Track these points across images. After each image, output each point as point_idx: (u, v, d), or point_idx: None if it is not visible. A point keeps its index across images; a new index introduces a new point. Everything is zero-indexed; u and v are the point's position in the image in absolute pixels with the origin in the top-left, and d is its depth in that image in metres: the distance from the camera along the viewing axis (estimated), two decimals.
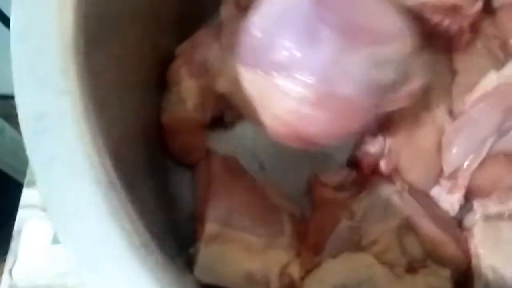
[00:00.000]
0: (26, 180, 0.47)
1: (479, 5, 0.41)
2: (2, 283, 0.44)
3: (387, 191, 0.41)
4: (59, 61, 0.25)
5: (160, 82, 0.44)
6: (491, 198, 0.41)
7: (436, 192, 0.42)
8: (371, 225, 0.40)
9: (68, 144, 0.23)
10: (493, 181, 0.41)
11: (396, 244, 0.39)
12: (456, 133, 0.42)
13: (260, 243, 0.38)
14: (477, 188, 0.42)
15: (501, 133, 0.42)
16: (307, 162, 0.45)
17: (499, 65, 0.43)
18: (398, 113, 0.43)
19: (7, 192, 0.60)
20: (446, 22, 0.42)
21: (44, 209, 0.46)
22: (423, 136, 0.43)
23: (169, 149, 0.44)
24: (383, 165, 0.42)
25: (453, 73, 0.44)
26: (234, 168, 0.43)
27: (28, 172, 0.47)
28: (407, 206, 0.40)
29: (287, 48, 0.32)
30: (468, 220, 0.41)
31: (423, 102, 0.43)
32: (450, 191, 0.42)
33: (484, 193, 0.41)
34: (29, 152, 0.23)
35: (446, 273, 0.38)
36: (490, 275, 0.37)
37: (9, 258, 0.45)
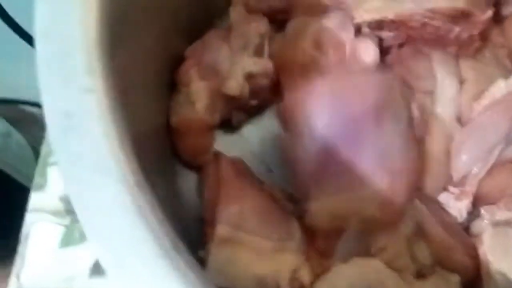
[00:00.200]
0: (34, 183, 0.47)
1: (489, 13, 0.41)
2: (9, 286, 0.43)
3: None
4: (83, 60, 0.24)
5: (169, 83, 0.44)
6: (499, 206, 0.41)
7: (445, 198, 0.43)
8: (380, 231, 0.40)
9: (94, 143, 0.23)
10: (501, 188, 0.42)
11: (405, 251, 0.39)
12: (464, 140, 0.42)
13: (270, 246, 0.38)
14: (485, 195, 0.42)
15: (509, 141, 0.42)
16: None
17: (507, 73, 0.44)
18: None
19: (13, 196, 0.59)
20: (456, 30, 0.43)
21: (52, 213, 0.46)
22: (432, 143, 0.43)
23: (178, 150, 0.44)
24: None
25: (462, 80, 0.45)
26: (243, 170, 0.43)
27: (36, 175, 0.47)
28: (416, 212, 0.40)
29: None
30: (476, 226, 0.42)
31: (431, 109, 0.44)
32: (458, 197, 0.42)
33: (492, 200, 0.42)
34: (55, 150, 0.23)
35: (455, 278, 0.38)
36: (499, 281, 0.37)
37: (17, 262, 0.44)
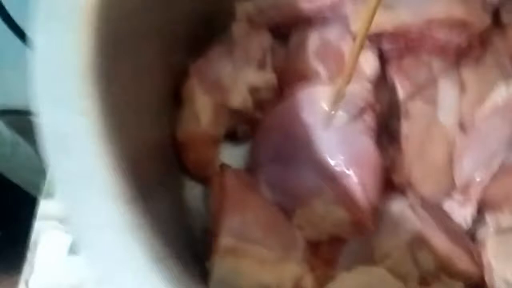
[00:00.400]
0: (44, 191, 0.48)
1: (487, 21, 0.42)
2: None
3: (400, 204, 0.41)
4: (77, 84, 0.26)
5: (174, 98, 0.45)
6: (503, 212, 0.41)
7: (449, 205, 0.43)
8: (383, 239, 0.40)
9: (88, 164, 0.24)
10: (505, 194, 0.42)
11: (408, 258, 0.40)
12: (467, 147, 0.43)
13: (274, 256, 0.39)
14: (489, 201, 0.42)
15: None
16: None
17: (508, 78, 0.44)
18: (409, 127, 0.44)
19: (21, 205, 0.61)
20: (455, 39, 0.43)
21: (61, 221, 0.47)
22: (434, 149, 0.43)
23: (184, 164, 0.45)
24: (395, 178, 0.43)
25: (463, 87, 0.45)
26: (246, 182, 0.44)
27: (46, 183, 0.48)
28: (419, 219, 0.40)
29: None
30: (481, 233, 0.42)
31: (433, 116, 0.44)
32: (463, 204, 0.42)
33: (496, 206, 0.42)
34: (51, 169, 0.24)
35: (459, 286, 0.38)
36: None
37: (26, 269, 0.45)
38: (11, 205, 0.70)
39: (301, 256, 0.40)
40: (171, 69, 0.43)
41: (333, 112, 0.39)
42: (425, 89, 0.44)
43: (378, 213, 0.40)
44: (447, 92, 0.44)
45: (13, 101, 0.71)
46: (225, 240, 0.38)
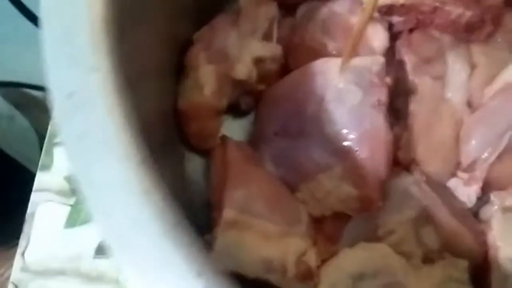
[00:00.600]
0: (40, 163, 0.47)
1: None
2: (14, 266, 0.44)
3: (405, 181, 0.41)
4: (89, 39, 0.24)
5: (177, 67, 0.44)
6: (509, 191, 0.41)
7: (454, 183, 0.42)
8: (388, 215, 0.40)
9: (98, 121, 0.23)
10: (511, 174, 0.41)
11: (413, 235, 0.39)
12: (474, 125, 0.42)
13: (277, 230, 0.38)
14: (494, 180, 0.41)
15: None
16: None
17: None
18: (416, 103, 0.43)
19: (17, 178, 0.60)
20: (467, 14, 0.42)
21: (57, 193, 0.46)
22: (441, 127, 0.43)
23: (185, 135, 0.44)
24: (400, 156, 0.42)
25: (472, 65, 0.44)
26: (249, 154, 0.43)
27: (42, 155, 0.47)
28: (424, 197, 0.40)
29: None
30: (485, 212, 0.41)
31: (441, 92, 0.43)
32: (468, 183, 0.42)
33: (502, 186, 0.41)
34: (60, 129, 0.23)
35: (463, 264, 0.37)
36: (509, 267, 0.37)
37: (22, 241, 0.45)
38: (7, 178, 0.69)
39: (305, 230, 0.39)
40: (177, 38, 0.42)
41: (344, 86, 0.38)
42: (434, 65, 0.43)
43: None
44: (456, 69, 0.43)
45: (8, 75, 0.69)
46: (228, 213, 0.38)
